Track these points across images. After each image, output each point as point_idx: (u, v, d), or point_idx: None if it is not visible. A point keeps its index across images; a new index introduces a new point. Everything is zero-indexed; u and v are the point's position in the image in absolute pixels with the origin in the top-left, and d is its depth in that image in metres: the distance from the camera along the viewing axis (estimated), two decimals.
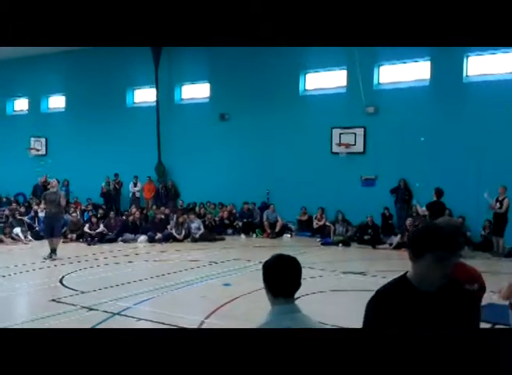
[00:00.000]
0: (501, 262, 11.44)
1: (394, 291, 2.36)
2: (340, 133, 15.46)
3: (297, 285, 2.51)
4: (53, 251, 11.18)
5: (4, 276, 9.36)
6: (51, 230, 11.24)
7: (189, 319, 6.78)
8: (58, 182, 12.19)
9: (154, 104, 18.56)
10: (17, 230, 14.05)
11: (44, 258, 11.04)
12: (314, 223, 15.07)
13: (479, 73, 14.05)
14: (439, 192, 10.63)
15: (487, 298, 7.00)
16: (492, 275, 10.08)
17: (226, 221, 15.52)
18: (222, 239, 14.36)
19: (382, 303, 2.34)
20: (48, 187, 12.23)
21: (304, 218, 15.61)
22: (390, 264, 11.05)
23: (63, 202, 11.56)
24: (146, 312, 7.20)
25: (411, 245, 2.35)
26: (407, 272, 2.39)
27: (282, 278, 2.48)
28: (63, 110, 21.35)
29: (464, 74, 14.20)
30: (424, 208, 10.63)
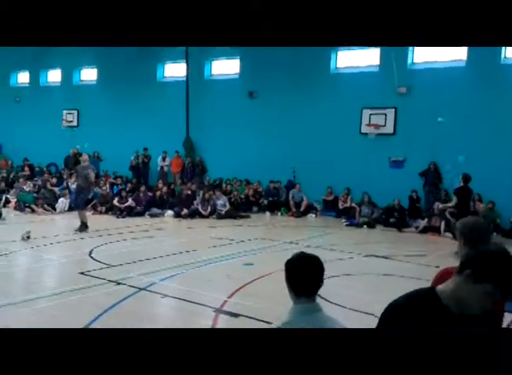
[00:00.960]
0: None
1: (417, 306, 2.05)
2: (370, 114, 15.20)
3: (319, 284, 2.54)
4: (83, 223, 11.49)
5: (32, 248, 9.68)
6: (76, 202, 11.58)
7: (212, 297, 6.93)
8: (90, 157, 12.42)
9: (184, 79, 18.57)
10: (60, 201, 14.43)
11: (75, 231, 11.38)
12: (340, 204, 15.01)
13: None
14: (466, 178, 10.47)
15: None
16: None
17: (252, 199, 15.61)
18: (247, 216, 14.48)
19: (400, 319, 2.03)
20: (80, 159, 12.49)
21: (330, 198, 15.56)
22: (415, 248, 10.99)
23: (92, 177, 11.79)
24: (171, 288, 7.38)
25: (476, 266, 2.01)
26: (434, 287, 2.16)
27: (304, 278, 2.50)
28: (95, 83, 21.57)
29: (503, 56, 13.69)
30: (455, 199, 10.50)
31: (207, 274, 8.27)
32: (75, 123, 21.76)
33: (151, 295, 6.96)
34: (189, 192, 14.74)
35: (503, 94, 13.32)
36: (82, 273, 7.88)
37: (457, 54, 14.19)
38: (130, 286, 7.25)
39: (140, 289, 7.13)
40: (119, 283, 7.35)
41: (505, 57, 13.74)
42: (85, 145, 19.09)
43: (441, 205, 12.47)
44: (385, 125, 15.04)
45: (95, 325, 5.70)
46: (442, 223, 12.68)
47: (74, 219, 12.77)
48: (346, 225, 13.73)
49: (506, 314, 3.00)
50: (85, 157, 11.90)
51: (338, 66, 16.31)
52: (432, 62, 14.64)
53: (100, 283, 7.35)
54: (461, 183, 10.48)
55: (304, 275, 2.51)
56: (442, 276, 3.08)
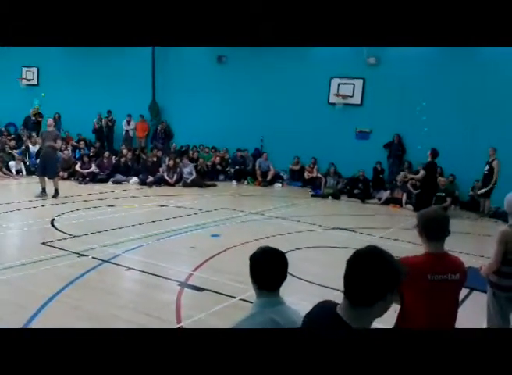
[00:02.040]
0: (485, 223, 11.70)
1: (321, 326, 2.03)
2: (339, 84, 15.19)
3: (282, 279, 2.58)
4: (44, 189, 11.25)
5: None
6: (44, 168, 11.27)
7: (177, 270, 6.96)
8: (55, 121, 12.09)
9: None
10: (12, 163, 14.01)
11: (36, 197, 11.11)
12: (306, 174, 15.16)
13: None
14: (434, 153, 10.70)
15: (468, 262, 7.27)
16: (476, 236, 10.41)
17: (218, 167, 15.55)
18: (214, 185, 14.45)
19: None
20: (45, 123, 12.16)
21: (297, 167, 15.67)
22: (377, 220, 11.29)
23: (59, 143, 11.53)
24: (135, 260, 7.35)
25: (367, 289, 1.91)
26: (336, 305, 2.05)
27: (267, 272, 2.54)
28: None
29: None
30: (423, 173, 10.72)
31: (172, 246, 8.27)
32: (35, 82, 20.88)
33: (115, 268, 6.92)
34: (154, 159, 14.53)
35: (470, 69, 13.51)
36: (44, 244, 7.75)
37: None
38: (94, 258, 7.19)
39: (104, 261, 7.08)
40: (82, 255, 7.27)
41: None
42: (42, 94, 18.39)
43: (409, 175, 12.71)
44: (352, 95, 15.09)
45: (60, 297, 5.67)
46: (404, 195, 13.01)
47: (34, 185, 12.47)
48: (312, 195, 13.91)
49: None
50: (50, 121, 11.64)
51: None
52: None
53: (63, 255, 7.24)
54: (429, 159, 10.70)
55: (267, 270, 2.54)
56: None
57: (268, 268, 2.54)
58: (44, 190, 11.27)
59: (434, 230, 3.15)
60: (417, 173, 13.47)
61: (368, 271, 1.94)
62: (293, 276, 6.69)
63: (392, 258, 1.99)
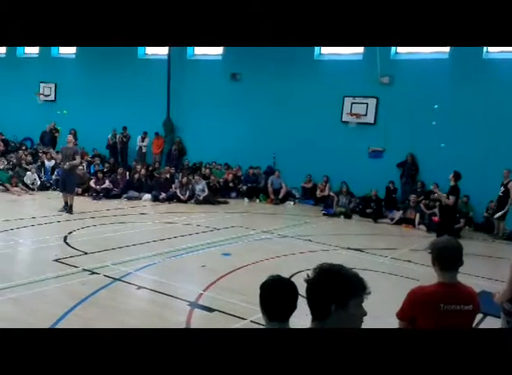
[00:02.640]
0: (499, 245, 11.54)
1: None
2: (352, 103, 15.22)
3: (292, 310, 2.57)
4: (66, 204, 11.50)
5: (6, 231, 9.50)
6: (64, 184, 11.48)
7: (188, 289, 6.97)
8: (75, 138, 12.32)
9: (166, 57, 18.23)
10: (28, 174, 14.22)
11: (59, 211, 11.36)
12: (318, 193, 15.13)
13: (500, 49, 13.64)
14: (457, 176, 10.11)
15: (481, 286, 7.16)
16: (490, 259, 10.25)
17: (231, 184, 15.59)
18: (226, 202, 14.48)
19: None
20: (62, 138, 12.40)
21: (309, 185, 15.65)
22: (389, 241, 11.19)
23: (78, 159, 11.74)
24: (146, 279, 7.37)
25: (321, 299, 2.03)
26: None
27: (277, 303, 2.53)
28: (74, 56, 21.02)
29: (485, 50, 13.79)
30: (445, 195, 10.19)
31: (183, 264, 8.29)
32: (52, 98, 21.26)
33: (126, 286, 6.95)
34: (167, 176, 14.63)
35: (483, 89, 13.46)
36: (56, 261, 7.81)
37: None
38: (105, 276, 7.22)
39: (115, 279, 7.11)
40: (93, 273, 7.31)
41: (487, 51, 13.84)
42: (64, 111, 18.67)
43: (438, 193, 11.82)
44: (366, 114, 15.09)
45: (70, 316, 5.69)
46: (417, 216, 12.89)
47: (49, 200, 12.63)
48: (324, 214, 13.86)
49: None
50: (70, 138, 11.89)
51: (322, 52, 16.21)
52: (415, 53, 14.66)
53: (75, 272, 7.29)
54: (452, 182, 10.20)
55: (277, 301, 2.53)
56: (418, 301, 3.13)
57: (279, 299, 2.53)
58: (66, 204, 11.46)
59: (448, 260, 3.13)
60: (429, 192, 13.31)
61: (308, 289, 2.11)
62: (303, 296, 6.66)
63: (332, 270, 2.07)
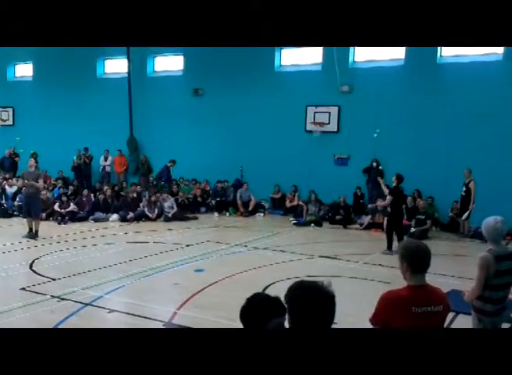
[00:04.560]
0: (466, 244, 11.81)
1: None
2: (315, 112, 15.42)
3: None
4: (31, 230, 11.18)
5: None
6: (28, 210, 11.16)
7: (161, 310, 6.84)
8: (36, 161, 12.01)
9: (126, 75, 18.08)
10: None
11: (23, 237, 11.03)
12: (287, 203, 15.19)
13: (453, 54, 14.10)
14: (399, 178, 10.65)
15: (451, 285, 7.28)
16: (457, 257, 10.49)
17: (199, 199, 15.49)
18: (195, 218, 14.35)
19: None
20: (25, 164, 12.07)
21: (277, 196, 15.70)
22: (360, 246, 11.31)
23: (41, 183, 11.44)
24: (117, 302, 7.21)
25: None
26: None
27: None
28: (31, 79, 20.63)
29: (439, 55, 14.23)
30: (390, 198, 10.71)
31: (155, 284, 8.14)
32: (10, 122, 20.74)
33: (97, 311, 6.76)
34: (134, 194, 14.42)
35: (439, 92, 13.86)
36: (23, 289, 7.55)
37: (396, 53, 14.61)
38: (75, 301, 7.02)
39: (85, 304, 6.92)
40: (62, 299, 7.10)
41: (441, 56, 14.29)
42: (16, 138, 18.26)
43: (378, 204, 12.65)
44: (329, 123, 15.30)
45: None
46: (385, 219, 13.07)
47: (11, 227, 12.25)
48: (294, 224, 13.91)
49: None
50: (32, 162, 11.58)
51: (282, 63, 16.40)
52: (372, 61, 15.00)
53: (43, 300, 7.06)
54: (394, 183, 10.73)
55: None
56: (390, 305, 3.16)
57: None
58: (31, 230, 11.14)
59: (418, 263, 3.19)
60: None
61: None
62: None
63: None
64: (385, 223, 12.98)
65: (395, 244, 10.24)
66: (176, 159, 16.46)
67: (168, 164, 16.04)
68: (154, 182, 16.27)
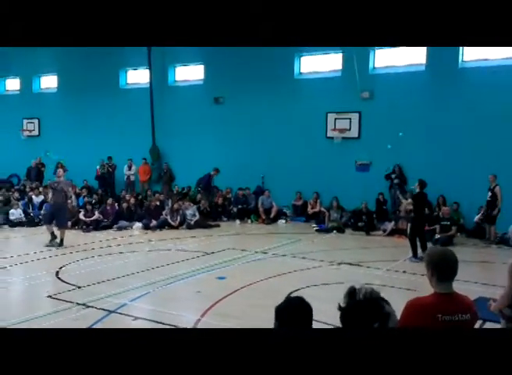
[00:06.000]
0: (492, 250, 11.58)
1: None
2: (335, 118, 15.38)
3: None
4: (54, 236, 11.35)
5: None
6: (52, 218, 11.37)
7: (185, 317, 6.89)
8: (64, 171, 12.26)
9: (148, 85, 18.35)
10: (12, 212, 14.13)
11: (45, 246, 11.22)
12: (309, 209, 15.14)
13: (475, 58, 13.92)
14: (422, 184, 10.56)
15: (477, 292, 7.15)
16: (483, 264, 10.28)
17: (221, 208, 15.54)
18: (217, 226, 14.42)
19: None
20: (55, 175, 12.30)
21: (299, 203, 15.67)
22: (383, 253, 11.19)
23: (70, 193, 11.66)
24: (142, 309, 7.27)
25: None
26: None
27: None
28: (55, 90, 21.10)
29: (460, 59, 14.06)
30: (409, 201, 10.62)
31: (178, 291, 8.20)
32: (36, 133, 21.23)
33: (122, 318, 6.84)
34: (157, 203, 14.57)
35: (462, 97, 13.69)
36: (49, 297, 7.69)
37: (417, 58, 14.50)
38: (100, 308, 7.12)
39: (110, 312, 7.00)
40: (87, 307, 7.20)
41: (462, 60, 14.11)
42: (47, 153, 18.67)
43: (403, 205, 12.46)
44: (350, 129, 15.24)
45: None
46: (409, 226, 12.90)
47: (38, 236, 12.48)
48: (316, 230, 13.85)
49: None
50: (60, 172, 11.78)
51: (302, 71, 16.43)
52: (393, 67, 14.91)
53: (68, 308, 7.17)
54: (417, 189, 10.60)
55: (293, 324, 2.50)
56: (416, 313, 3.12)
57: (294, 321, 2.51)
58: (52, 234, 11.33)
59: (445, 271, 3.13)
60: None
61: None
62: None
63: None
64: (408, 228, 12.85)
65: (419, 250, 10.13)
66: (197, 167, 16.60)
67: (212, 172, 16.07)
68: (195, 189, 16.31)
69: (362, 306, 2.25)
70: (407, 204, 11.07)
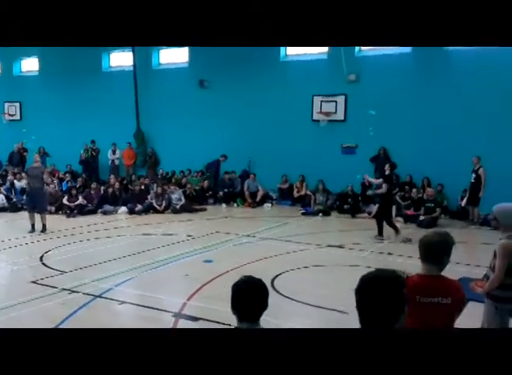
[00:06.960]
0: (475, 231, 11.74)
1: None
2: (321, 101, 15.32)
3: (263, 309, 2.57)
4: (33, 226, 11.19)
5: None
6: (34, 205, 11.19)
7: (171, 300, 6.88)
8: (40, 155, 12.09)
9: (131, 68, 18.05)
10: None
11: (29, 233, 11.04)
12: (295, 192, 15.16)
13: None
14: (392, 166, 10.82)
15: (461, 272, 7.25)
16: (467, 245, 10.43)
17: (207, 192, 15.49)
18: (204, 209, 14.37)
19: None
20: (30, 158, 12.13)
21: (285, 186, 15.67)
22: (368, 235, 11.25)
23: (46, 178, 11.49)
24: (128, 293, 7.25)
25: None
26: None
27: (248, 304, 2.53)
28: (37, 73, 20.66)
29: None
30: (380, 180, 10.68)
31: (164, 275, 8.17)
32: (18, 117, 20.83)
33: (108, 303, 6.81)
34: (142, 187, 14.45)
35: (448, 80, 13.71)
36: (34, 282, 7.61)
37: None
38: (85, 293, 7.07)
39: (96, 296, 6.97)
40: (73, 292, 7.15)
41: None
42: (32, 137, 18.35)
43: (370, 179, 12.39)
44: (336, 112, 15.21)
45: None
46: (394, 208, 13.00)
47: (21, 221, 12.32)
48: (302, 213, 13.89)
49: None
50: (36, 157, 11.63)
51: (288, 53, 16.29)
52: (379, 50, 14.84)
53: (53, 293, 7.11)
54: (387, 172, 10.62)
55: (247, 301, 2.53)
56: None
57: (250, 300, 2.54)
58: (33, 226, 11.17)
59: (425, 252, 3.19)
60: (403, 184, 13.64)
61: (380, 297, 2.04)
62: (289, 298, 6.64)
63: (398, 280, 2.11)
64: (393, 211, 12.94)
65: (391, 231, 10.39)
66: (182, 151, 16.46)
67: (220, 158, 16.01)
68: (205, 172, 16.25)
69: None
70: (377, 183, 11.18)
